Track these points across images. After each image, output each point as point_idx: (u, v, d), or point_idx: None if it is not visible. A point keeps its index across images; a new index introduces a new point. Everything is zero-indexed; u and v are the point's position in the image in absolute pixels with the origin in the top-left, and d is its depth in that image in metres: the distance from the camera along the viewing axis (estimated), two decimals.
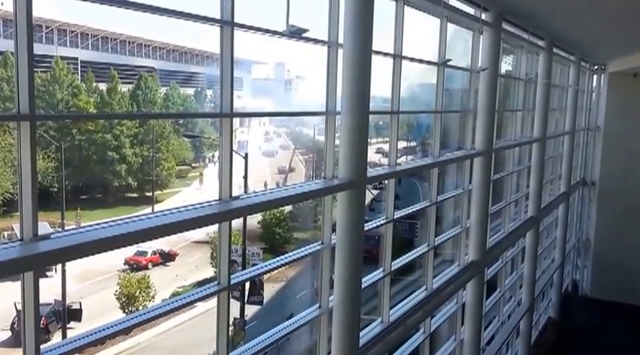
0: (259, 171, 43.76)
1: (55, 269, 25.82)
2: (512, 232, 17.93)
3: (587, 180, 29.75)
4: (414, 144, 42.82)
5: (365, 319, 10.01)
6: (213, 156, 47.57)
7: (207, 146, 48.51)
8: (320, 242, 8.76)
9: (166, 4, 5.91)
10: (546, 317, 25.10)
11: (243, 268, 20.55)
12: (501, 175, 17.50)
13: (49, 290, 22.86)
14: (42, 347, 5.01)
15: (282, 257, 8.51)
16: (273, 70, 61.67)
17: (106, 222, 5.51)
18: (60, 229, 5.34)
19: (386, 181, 10.83)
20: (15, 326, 23.74)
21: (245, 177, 22.09)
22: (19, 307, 5.15)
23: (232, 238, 7.49)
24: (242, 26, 6.72)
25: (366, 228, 9.22)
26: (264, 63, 58.68)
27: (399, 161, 10.99)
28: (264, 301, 26.41)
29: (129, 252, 31.36)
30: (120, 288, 27.99)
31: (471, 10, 12.96)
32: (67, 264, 20.83)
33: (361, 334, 9.45)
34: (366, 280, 9.83)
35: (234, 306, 20.11)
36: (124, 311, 26.69)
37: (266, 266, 8.39)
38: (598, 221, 29.00)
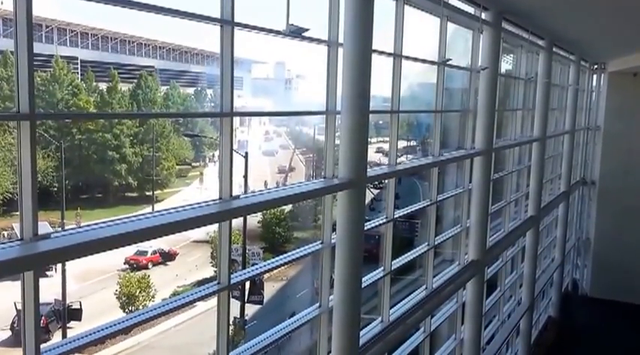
0: (259, 170, 43.74)
1: (55, 269, 25.81)
2: (512, 231, 17.93)
3: (587, 179, 29.76)
4: (414, 143, 42.82)
5: (365, 318, 10.02)
6: (213, 155, 47.57)
7: (208, 145, 48.50)
8: (320, 241, 8.77)
9: (167, 4, 5.91)
10: (546, 317, 25.11)
11: (244, 267, 20.54)
12: (501, 174, 17.51)
13: (49, 289, 22.85)
14: (42, 346, 5.01)
15: (282, 256, 8.51)
16: (274, 70, 61.65)
17: (106, 222, 5.51)
18: (60, 229, 5.34)
19: (386, 180, 10.84)
20: (15, 325, 23.73)
21: (245, 177, 22.07)
22: (19, 306, 5.15)
23: (232, 237, 7.49)
24: (242, 25, 6.72)
25: (366, 228, 9.23)
26: (264, 62, 58.69)
27: (399, 160, 10.99)
28: (265, 300, 26.41)
29: (129, 251, 31.34)
30: (120, 288, 27.97)
31: (470, 10, 12.96)
32: (67, 263, 20.84)
33: (361, 333, 9.46)
34: (366, 279, 9.84)
35: (235, 306, 20.11)
36: (124, 311, 26.68)
37: (266, 265, 8.40)
38: (598, 220, 29.02)
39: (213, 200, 6.76)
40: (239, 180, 20.76)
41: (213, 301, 7.13)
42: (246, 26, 6.81)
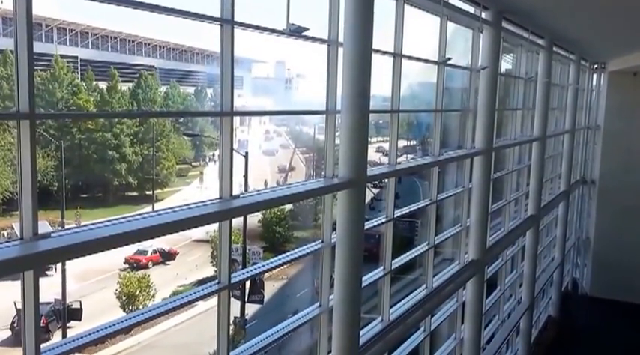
0: (259, 169, 43.72)
1: (55, 268, 25.79)
2: (512, 231, 17.94)
3: (587, 178, 29.77)
4: (414, 142, 42.82)
5: (365, 318, 10.02)
6: (213, 154, 47.54)
7: (208, 145, 48.49)
8: (320, 241, 8.77)
9: (167, 3, 5.91)
10: (546, 316, 25.13)
11: (244, 267, 20.55)
12: (501, 174, 17.51)
13: (49, 289, 22.84)
14: (42, 346, 5.01)
15: (282, 256, 8.51)
16: (274, 69, 61.59)
17: (106, 221, 5.51)
18: (60, 228, 5.33)
19: (386, 180, 10.84)
20: (15, 325, 23.72)
21: (245, 176, 22.06)
22: (19, 306, 5.15)
23: (232, 237, 7.49)
24: (242, 25, 6.71)
25: (366, 227, 9.22)
26: (264, 61, 58.63)
27: (399, 160, 10.99)
28: (265, 300, 26.41)
29: (129, 250, 31.33)
30: (120, 287, 27.96)
31: (470, 9, 12.96)
32: (67, 262, 20.83)
33: (361, 333, 9.46)
34: (367, 279, 9.84)
35: (235, 305, 20.12)
36: (124, 310, 26.68)
37: (266, 265, 8.40)
38: (598, 219, 29.03)
39: (214, 199, 6.76)
40: (239, 180, 20.75)
41: (213, 300, 7.13)
42: (246, 25, 6.80)
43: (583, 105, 28.16)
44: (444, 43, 12.11)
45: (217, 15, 6.48)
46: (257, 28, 7.13)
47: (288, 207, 36.89)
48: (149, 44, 49.20)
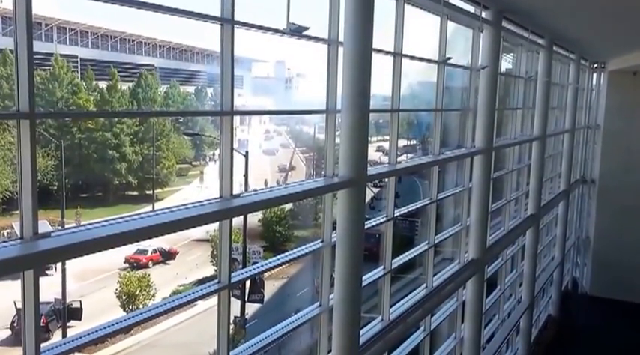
0: (260, 169, 43.72)
1: (55, 268, 25.79)
2: (512, 230, 17.94)
3: (587, 178, 29.77)
4: (415, 142, 42.84)
5: (365, 317, 10.02)
6: (213, 154, 47.55)
7: (208, 144, 48.49)
8: (320, 240, 8.77)
9: (167, 2, 5.91)
10: (546, 315, 25.13)
11: (244, 266, 20.55)
12: (501, 173, 17.51)
13: (49, 288, 22.83)
14: (42, 345, 5.01)
15: (282, 255, 8.51)
16: (274, 68, 61.60)
17: (106, 221, 5.51)
18: (60, 227, 5.33)
19: (386, 179, 10.83)
20: (15, 324, 23.73)
21: (245, 176, 22.06)
22: (19, 306, 5.15)
23: (233, 236, 7.49)
24: (242, 24, 6.71)
25: (366, 226, 9.22)
26: (264, 61, 58.64)
27: (399, 159, 10.98)
28: (265, 299, 26.41)
29: (129, 250, 31.34)
30: (120, 287, 27.97)
31: (471, 9, 12.96)
32: (67, 262, 20.84)
33: (362, 332, 9.46)
34: (367, 278, 9.84)
35: (235, 304, 20.12)
36: (124, 310, 26.69)
37: (266, 264, 8.40)
38: (597, 219, 29.04)
39: (214, 199, 6.76)
40: (239, 179, 20.75)
41: (213, 300, 7.13)
42: (246, 25, 6.80)
43: (583, 105, 28.15)
44: (444, 42, 12.11)
45: (217, 14, 6.48)
46: (257, 27, 7.13)
47: (289, 206, 36.90)
48: (149, 43, 49.19)
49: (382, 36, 9.25)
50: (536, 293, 21.31)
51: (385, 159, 11.32)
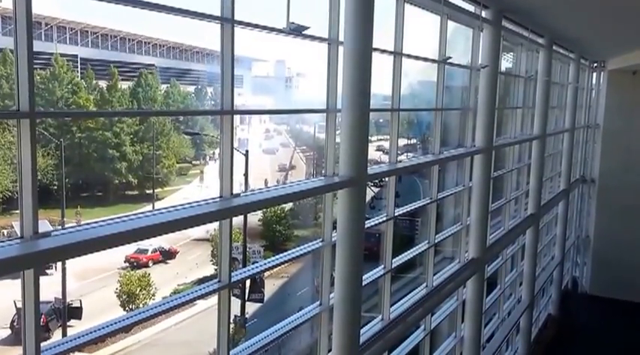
0: (260, 168, 43.70)
1: (55, 267, 25.79)
2: (512, 229, 17.94)
3: (587, 177, 29.77)
4: (415, 141, 42.82)
5: (365, 316, 10.02)
6: (213, 153, 47.55)
7: (208, 143, 48.50)
8: (321, 239, 8.77)
9: (167, 2, 5.90)
10: (546, 314, 25.14)
11: (244, 266, 20.54)
12: (501, 172, 17.51)
13: (49, 288, 22.83)
14: (42, 345, 5.01)
15: (282, 254, 8.51)
16: (274, 68, 61.59)
17: (106, 220, 5.51)
18: (60, 227, 5.32)
19: (386, 179, 10.83)
20: (15, 324, 23.72)
21: (246, 175, 22.05)
22: (19, 305, 5.15)
23: (233, 236, 7.49)
24: (242, 23, 6.71)
25: (366, 226, 9.23)
26: (264, 60, 58.62)
27: (399, 158, 10.98)
28: (265, 298, 26.41)
29: (129, 249, 31.34)
30: (120, 286, 27.98)
31: (471, 8, 12.96)
32: (68, 261, 20.83)
33: (362, 331, 9.47)
34: (367, 277, 9.84)
35: (235, 304, 20.11)
36: (124, 309, 26.70)
37: (266, 263, 8.41)
38: (597, 218, 29.04)
39: (214, 198, 6.76)
40: (239, 179, 20.72)
41: (213, 299, 7.13)
42: (246, 24, 6.80)
43: (583, 104, 28.16)
44: (444, 41, 12.11)
45: (218, 13, 6.47)
46: (257, 26, 7.12)
47: (289, 205, 36.90)
48: (149, 43, 49.19)
49: (382, 35, 9.25)
50: (536, 292, 21.31)
51: (385, 158, 11.32)
